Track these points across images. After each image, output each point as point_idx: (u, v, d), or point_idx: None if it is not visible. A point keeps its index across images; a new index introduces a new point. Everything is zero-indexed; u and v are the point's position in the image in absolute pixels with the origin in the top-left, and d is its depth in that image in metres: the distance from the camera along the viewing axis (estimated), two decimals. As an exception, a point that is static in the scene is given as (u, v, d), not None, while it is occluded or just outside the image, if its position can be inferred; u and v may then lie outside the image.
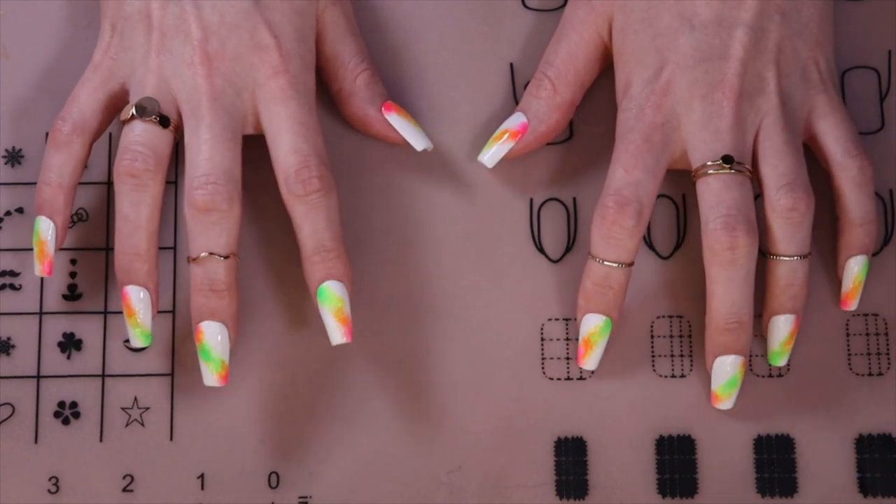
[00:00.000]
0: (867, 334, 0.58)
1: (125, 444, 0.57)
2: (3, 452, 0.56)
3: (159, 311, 0.57)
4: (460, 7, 0.61)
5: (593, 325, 0.56)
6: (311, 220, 0.55)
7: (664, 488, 0.57)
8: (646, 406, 0.57)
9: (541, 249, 0.59)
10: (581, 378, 0.58)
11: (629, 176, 0.54)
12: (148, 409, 0.57)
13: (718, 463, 0.57)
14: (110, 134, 0.59)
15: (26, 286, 0.58)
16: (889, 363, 0.58)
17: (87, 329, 0.58)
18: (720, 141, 0.54)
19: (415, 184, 0.59)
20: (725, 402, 0.56)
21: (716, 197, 0.54)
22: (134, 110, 0.54)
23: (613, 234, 0.54)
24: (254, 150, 0.56)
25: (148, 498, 0.56)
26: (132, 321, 0.54)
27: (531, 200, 0.59)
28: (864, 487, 0.57)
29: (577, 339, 0.57)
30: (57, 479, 0.56)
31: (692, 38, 0.55)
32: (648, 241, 0.59)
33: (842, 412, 0.57)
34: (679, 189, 0.59)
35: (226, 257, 0.54)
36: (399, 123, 0.57)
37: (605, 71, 0.59)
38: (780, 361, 0.57)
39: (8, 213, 0.59)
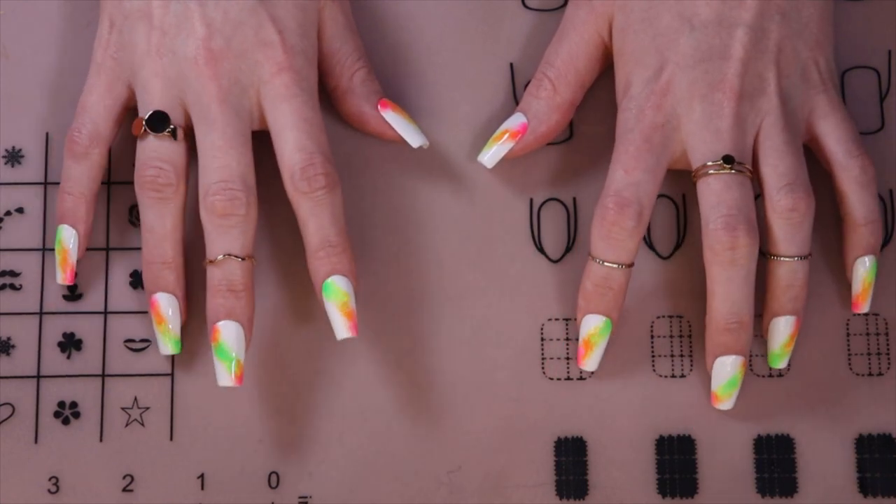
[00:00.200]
0: (867, 334, 0.58)
1: (125, 444, 0.57)
2: (3, 452, 0.56)
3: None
4: (460, 7, 0.61)
5: (593, 326, 0.56)
6: (316, 217, 0.55)
7: (664, 488, 0.57)
8: (646, 406, 0.57)
9: (541, 249, 0.59)
10: (581, 378, 0.58)
11: (629, 176, 0.54)
12: (148, 409, 0.57)
13: (718, 463, 0.57)
14: (110, 134, 0.59)
15: (26, 286, 0.58)
16: (889, 363, 0.58)
17: (87, 329, 0.58)
18: (720, 141, 0.54)
19: (415, 184, 0.59)
20: (726, 402, 0.56)
21: (716, 197, 0.54)
22: (146, 126, 0.55)
23: (613, 234, 0.54)
24: (256, 144, 0.56)
25: (148, 498, 0.56)
26: (162, 328, 0.56)
27: (531, 200, 0.59)
28: (864, 487, 0.57)
29: (577, 340, 0.57)
30: (57, 479, 0.56)
31: (692, 38, 0.55)
32: (648, 241, 0.59)
33: (842, 412, 0.57)
34: (679, 189, 0.59)
35: (243, 259, 0.54)
36: (395, 120, 0.58)
37: (605, 71, 0.59)
38: (781, 363, 0.57)
39: (8, 213, 0.59)
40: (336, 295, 0.55)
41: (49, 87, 0.60)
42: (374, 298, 0.58)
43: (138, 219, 0.58)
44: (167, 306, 0.56)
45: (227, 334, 0.54)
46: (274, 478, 0.57)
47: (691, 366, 0.58)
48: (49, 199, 0.59)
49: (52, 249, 0.58)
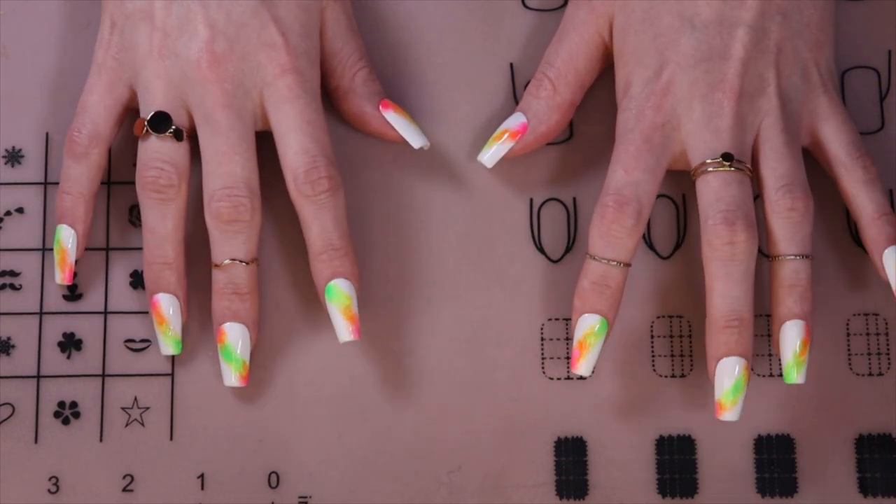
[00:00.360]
0: (867, 334, 0.58)
1: (125, 444, 0.57)
2: (3, 452, 0.56)
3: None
4: (460, 7, 0.61)
5: (589, 326, 0.55)
6: (319, 220, 0.55)
7: (664, 488, 0.57)
8: (646, 406, 0.57)
9: (541, 249, 0.59)
10: (581, 378, 0.58)
11: (629, 176, 0.54)
12: (148, 409, 0.57)
13: (718, 463, 0.57)
14: (110, 134, 0.59)
15: (26, 286, 0.58)
16: (889, 363, 0.58)
17: (87, 329, 0.58)
18: (720, 140, 0.54)
19: (415, 184, 0.59)
20: (731, 410, 0.54)
21: (714, 194, 0.54)
22: (148, 127, 0.55)
23: (613, 232, 0.54)
24: (258, 144, 0.56)
25: (148, 498, 0.56)
26: (163, 329, 0.56)
27: (531, 200, 0.59)
28: (864, 487, 0.57)
29: (577, 340, 0.57)
30: (57, 479, 0.56)
31: (693, 38, 0.55)
32: (648, 241, 0.59)
33: (842, 412, 0.57)
34: (679, 189, 0.59)
35: (248, 263, 0.55)
36: (396, 121, 0.58)
37: (604, 71, 0.59)
38: (797, 376, 0.54)
39: (8, 213, 0.59)
40: (339, 298, 0.55)
41: (49, 87, 0.60)
42: (374, 298, 0.58)
43: (138, 219, 0.58)
44: (168, 307, 0.56)
45: (233, 336, 0.55)
46: (274, 478, 0.57)
47: (691, 366, 0.58)
48: (49, 199, 0.59)
49: (52, 249, 0.58)
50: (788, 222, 0.54)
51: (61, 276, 0.57)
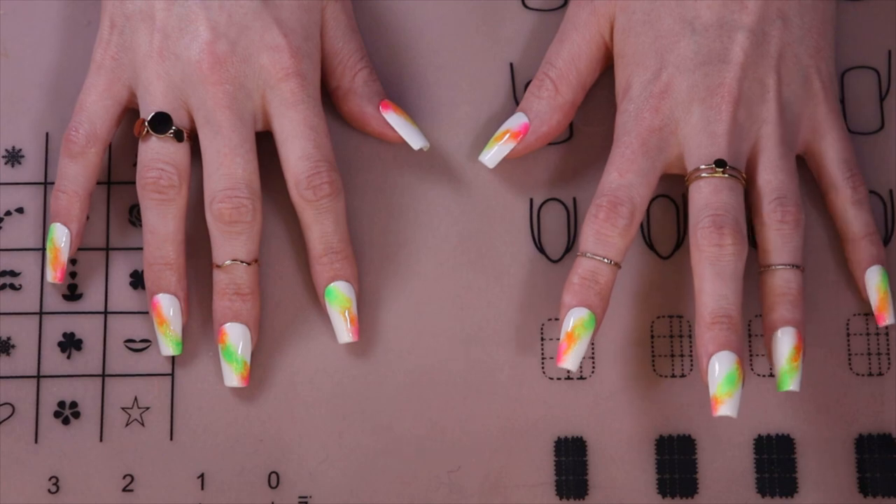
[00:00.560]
0: (867, 334, 0.58)
1: (125, 444, 0.57)
2: (3, 452, 0.56)
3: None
4: (460, 7, 0.61)
5: (578, 318, 0.54)
6: (320, 224, 0.56)
7: (664, 488, 0.57)
8: (646, 406, 0.57)
9: (541, 249, 0.59)
10: (581, 378, 0.58)
11: (623, 178, 0.54)
12: (148, 409, 0.57)
13: (718, 463, 0.57)
14: (110, 134, 0.59)
15: (26, 286, 0.58)
16: (889, 363, 0.58)
17: (87, 329, 0.58)
18: (716, 145, 0.54)
19: (415, 184, 0.59)
20: (726, 403, 0.52)
21: (704, 199, 0.54)
22: (148, 127, 0.55)
23: (605, 231, 0.54)
24: (258, 144, 0.56)
25: (148, 498, 0.56)
26: (163, 329, 0.56)
27: (531, 200, 0.59)
28: (864, 487, 0.57)
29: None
30: (57, 479, 0.56)
31: (693, 41, 0.55)
32: (648, 241, 0.59)
33: (842, 412, 0.57)
34: (679, 189, 0.59)
35: (249, 263, 0.55)
36: (396, 122, 0.58)
37: (605, 71, 0.59)
38: (791, 383, 0.54)
39: (8, 213, 0.59)
40: (339, 300, 0.56)
41: (49, 87, 0.60)
42: (373, 298, 0.58)
43: (138, 218, 0.58)
44: (169, 307, 0.56)
45: (234, 337, 0.55)
46: (274, 478, 0.57)
47: (691, 366, 0.58)
48: (49, 199, 0.59)
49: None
50: (779, 234, 0.55)
51: (53, 275, 0.56)
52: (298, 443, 0.57)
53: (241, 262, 0.55)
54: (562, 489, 0.57)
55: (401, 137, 0.57)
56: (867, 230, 0.57)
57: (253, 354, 0.56)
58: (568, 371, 0.57)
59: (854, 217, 0.57)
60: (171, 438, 0.57)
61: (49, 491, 0.56)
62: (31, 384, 0.57)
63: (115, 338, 0.58)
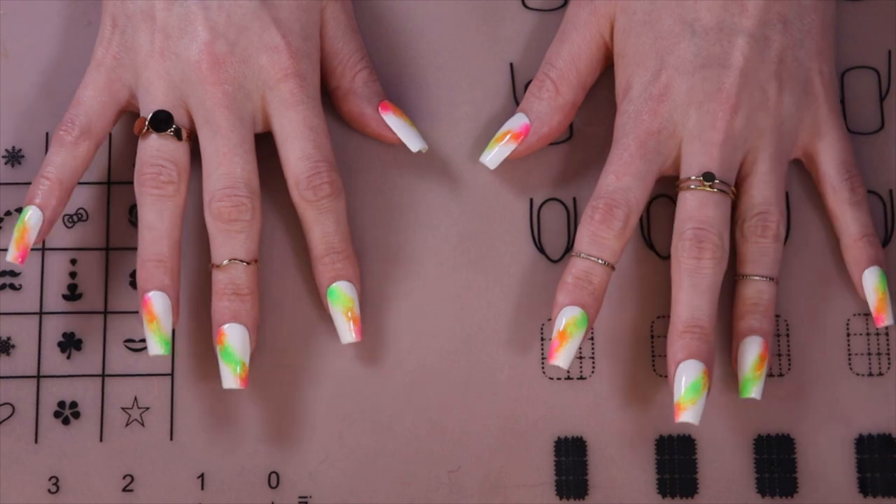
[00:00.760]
0: (867, 334, 0.58)
1: (125, 444, 0.57)
2: (3, 452, 0.56)
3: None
4: (460, 7, 0.61)
5: (571, 316, 0.54)
6: (321, 224, 0.56)
7: (664, 488, 0.57)
8: (646, 406, 0.57)
9: (541, 249, 0.59)
10: (581, 378, 0.58)
11: (620, 182, 0.54)
12: (148, 409, 0.57)
13: (718, 463, 0.57)
14: (109, 133, 0.59)
15: (26, 286, 0.58)
16: (889, 363, 0.58)
17: (87, 329, 0.58)
18: (707, 155, 0.54)
19: (415, 184, 0.59)
20: (689, 410, 0.52)
21: (689, 212, 0.54)
22: (149, 125, 0.54)
23: (600, 233, 0.54)
24: (258, 144, 0.56)
25: (148, 498, 0.56)
26: (153, 327, 0.54)
27: (531, 200, 0.59)
28: (864, 487, 0.57)
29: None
30: (57, 479, 0.56)
31: (692, 43, 0.55)
32: (648, 241, 0.59)
33: (842, 412, 0.57)
34: (679, 189, 0.59)
35: (248, 263, 0.55)
36: (395, 123, 0.58)
37: (605, 71, 0.59)
38: (753, 391, 0.55)
39: (8, 213, 0.59)
40: (341, 300, 0.56)
41: (49, 87, 0.60)
42: (374, 298, 0.58)
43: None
44: (160, 305, 0.55)
45: (233, 337, 0.55)
46: (274, 478, 0.57)
47: (691, 366, 0.58)
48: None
49: (53, 249, 0.58)
50: (757, 246, 0.55)
51: (14, 255, 0.54)
52: (298, 443, 0.57)
53: (241, 261, 0.55)
54: (562, 489, 0.57)
55: (399, 139, 0.57)
56: (865, 231, 0.57)
57: (252, 355, 0.56)
58: (564, 370, 0.57)
59: (852, 218, 0.57)
60: (171, 438, 0.57)
61: (49, 491, 0.56)
62: (31, 384, 0.57)
63: (114, 338, 0.58)
